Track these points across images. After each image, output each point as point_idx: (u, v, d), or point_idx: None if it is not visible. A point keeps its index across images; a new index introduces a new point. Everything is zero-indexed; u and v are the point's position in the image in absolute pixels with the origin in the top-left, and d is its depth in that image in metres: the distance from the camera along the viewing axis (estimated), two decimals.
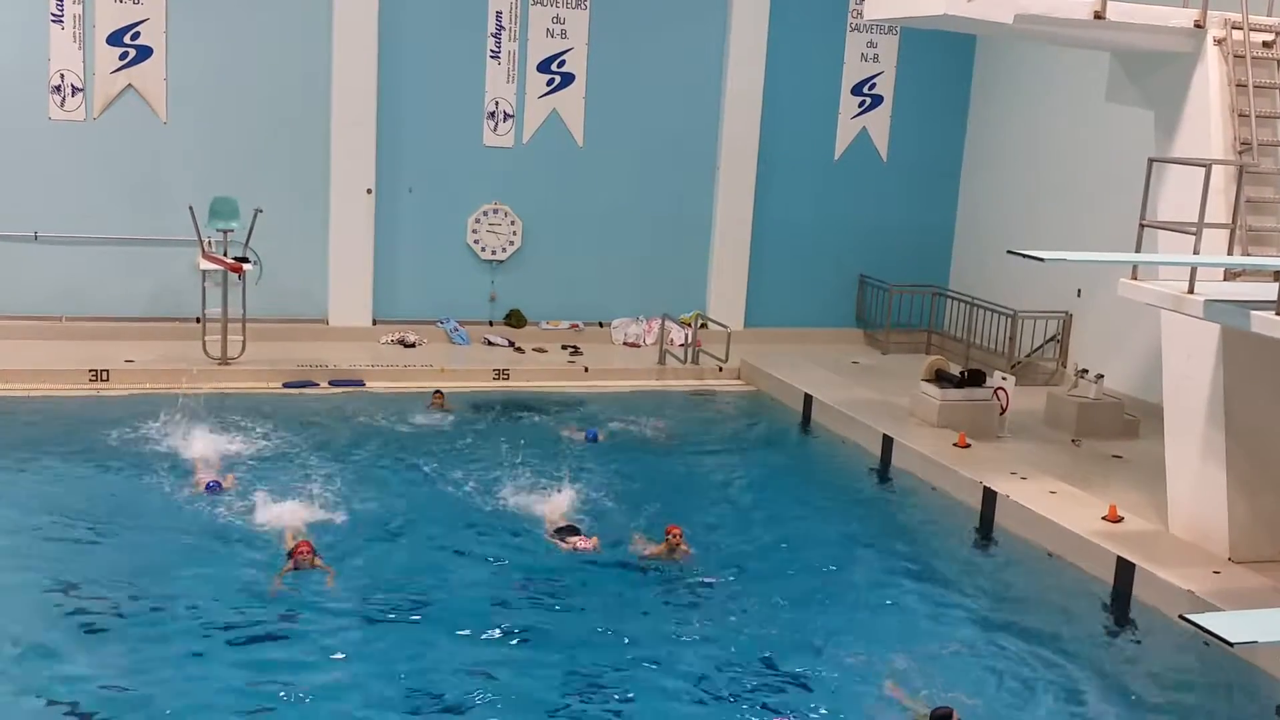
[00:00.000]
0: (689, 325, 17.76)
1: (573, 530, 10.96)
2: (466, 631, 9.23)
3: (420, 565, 10.39)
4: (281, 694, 8.18)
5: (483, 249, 18.03)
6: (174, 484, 11.71)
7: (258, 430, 13.47)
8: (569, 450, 13.45)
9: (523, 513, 11.51)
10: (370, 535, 10.92)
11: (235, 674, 8.40)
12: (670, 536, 10.74)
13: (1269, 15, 11.36)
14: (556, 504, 11.58)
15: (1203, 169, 9.92)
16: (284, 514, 10.94)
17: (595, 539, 10.82)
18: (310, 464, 12.55)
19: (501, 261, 18.16)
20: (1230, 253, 10.36)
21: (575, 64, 17.96)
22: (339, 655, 8.77)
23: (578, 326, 18.38)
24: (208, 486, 11.45)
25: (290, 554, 10.00)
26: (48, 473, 12.03)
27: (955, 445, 13.63)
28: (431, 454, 13.14)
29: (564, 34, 17.85)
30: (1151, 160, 10.55)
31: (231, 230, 15.47)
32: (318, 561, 9.95)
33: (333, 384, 15.53)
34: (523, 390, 16.09)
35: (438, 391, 15.02)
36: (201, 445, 12.59)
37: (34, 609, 9.19)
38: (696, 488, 12.98)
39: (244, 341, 15.57)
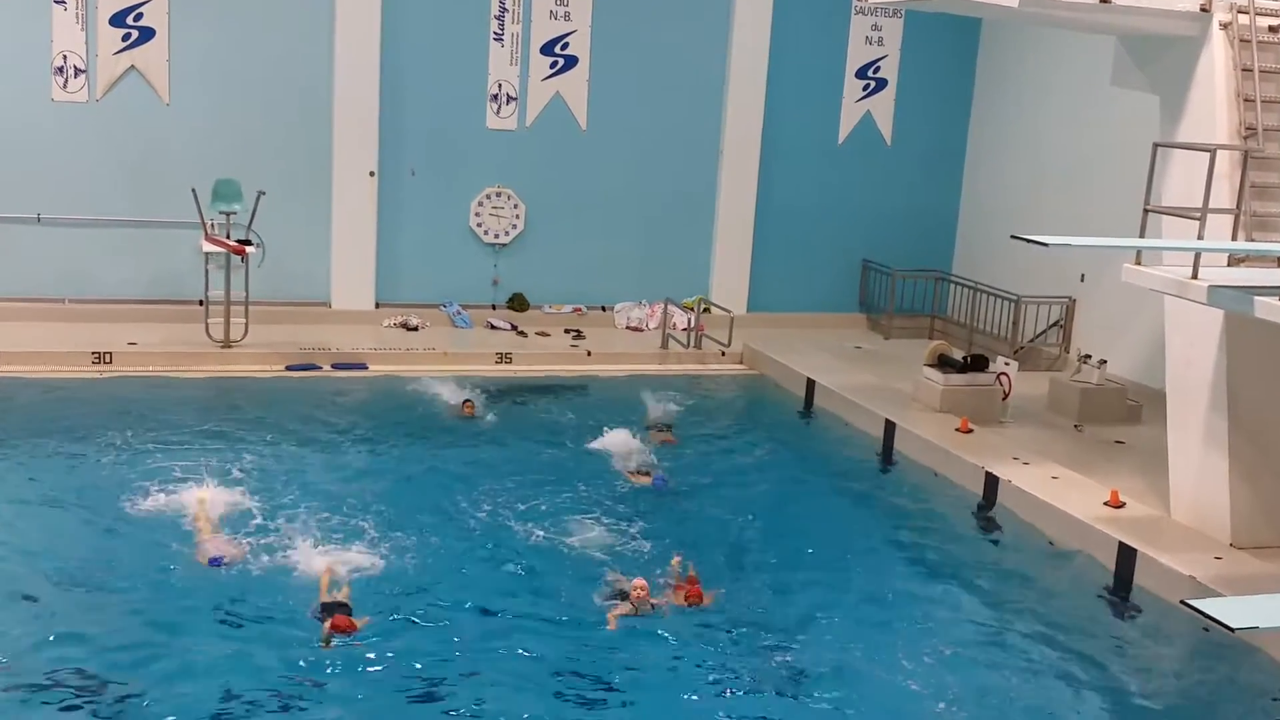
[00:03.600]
0: (692, 310, 17.75)
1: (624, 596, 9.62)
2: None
3: (461, 625, 9.17)
4: None
5: (485, 232, 18.01)
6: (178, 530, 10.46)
7: (265, 439, 12.74)
8: (630, 494, 12.02)
9: (569, 547, 10.59)
10: (403, 587, 9.64)
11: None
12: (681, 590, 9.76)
13: (1275, 0, 11.31)
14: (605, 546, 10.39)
15: (1207, 154, 9.89)
16: (311, 560, 9.73)
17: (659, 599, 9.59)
18: (333, 490, 11.51)
19: (504, 245, 18.14)
20: (1234, 238, 10.33)
21: (578, 47, 17.92)
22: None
23: (581, 310, 18.37)
24: (211, 561, 9.78)
25: (327, 621, 8.78)
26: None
27: (958, 430, 13.62)
28: (470, 483, 11.93)
29: (567, 16, 17.79)
30: (1156, 145, 10.53)
31: (234, 212, 15.45)
32: (357, 624, 8.79)
33: (335, 367, 15.54)
34: (526, 375, 16.06)
35: (468, 400, 14.38)
36: (204, 493, 10.94)
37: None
38: (697, 471, 12.92)
39: (246, 324, 15.56)
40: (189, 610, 9.06)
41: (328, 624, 8.70)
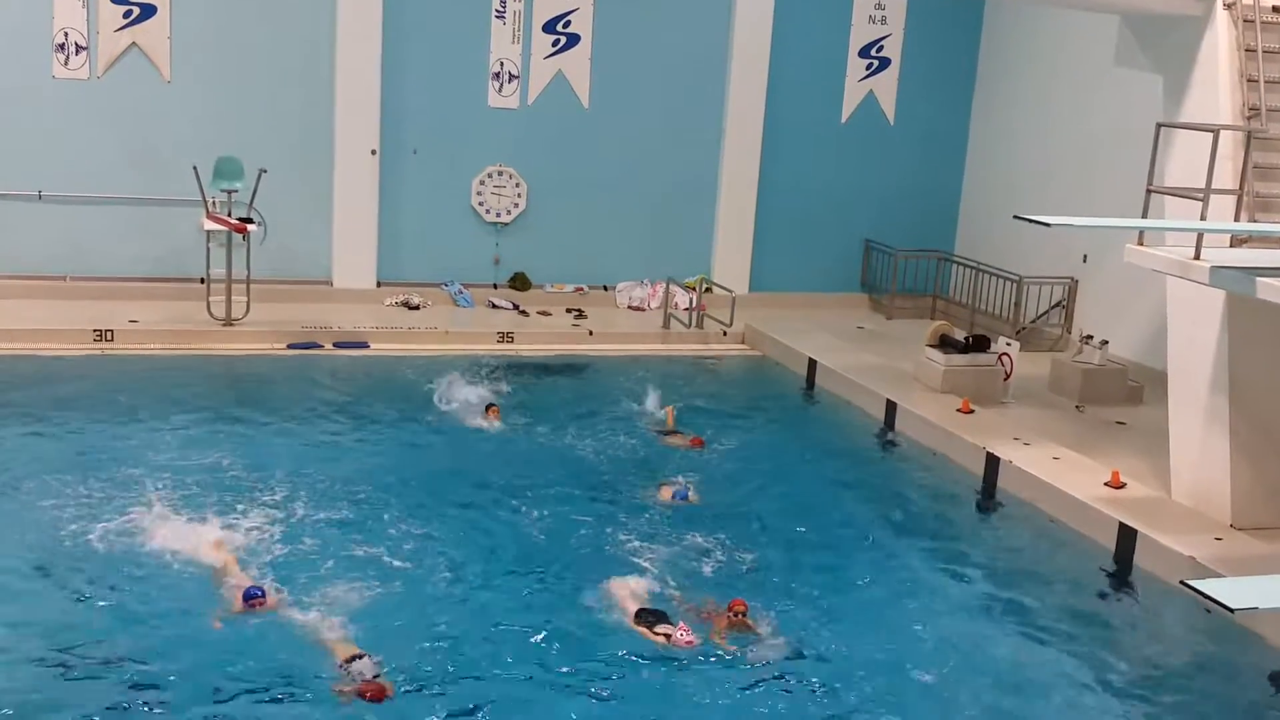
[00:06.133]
0: (694, 289, 17.74)
1: (661, 617, 8.93)
2: None
3: (477, 652, 8.51)
4: None
5: (487, 211, 17.99)
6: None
7: (270, 427, 12.41)
8: (654, 512, 11.14)
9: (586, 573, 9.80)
10: (419, 612, 8.97)
11: None
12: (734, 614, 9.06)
13: None
14: (634, 583, 9.46)
15: (1210, 134, 9.87)
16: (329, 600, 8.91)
17: (693, 637, 8.73)
18: (344, 493, 10.91)
19: (506, 224, 18.11)
20: (1237, 219, 10.32)
21: (581, 24, 17.85)
22: None
23: (582, 290, 18.36)
24: (247, 596, 8.80)
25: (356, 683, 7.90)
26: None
27: (959, 411, 13.63)
28: (487, 490, 11.36)
29: None
30: (1159, 125, 10.51)
31: (236, 190, 15.42)
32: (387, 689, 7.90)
33: (337, 346, 15.55)
34: (528, 354, 16.04)
35: (491, 405, 13.46)
36: (202, 530, 9.87)
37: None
38: (698, 452, 12.92)
39: (248, 302, 15.56)
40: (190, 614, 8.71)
41: (352, 691, 7.83)
